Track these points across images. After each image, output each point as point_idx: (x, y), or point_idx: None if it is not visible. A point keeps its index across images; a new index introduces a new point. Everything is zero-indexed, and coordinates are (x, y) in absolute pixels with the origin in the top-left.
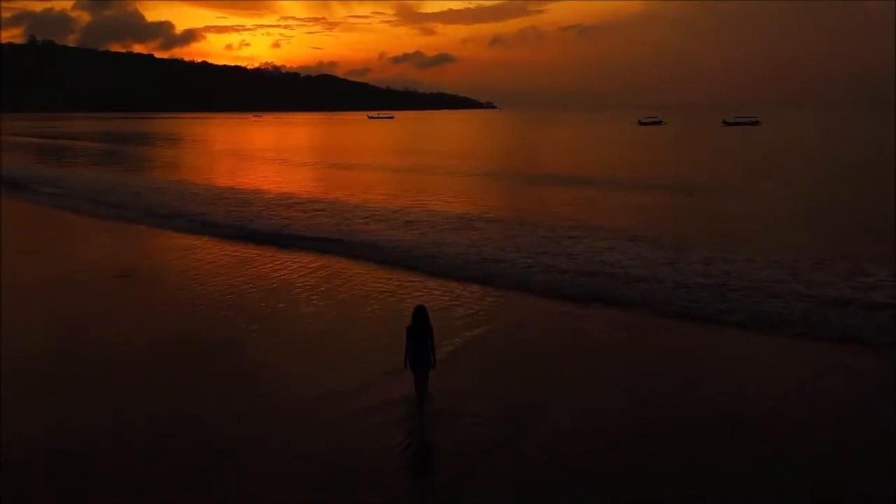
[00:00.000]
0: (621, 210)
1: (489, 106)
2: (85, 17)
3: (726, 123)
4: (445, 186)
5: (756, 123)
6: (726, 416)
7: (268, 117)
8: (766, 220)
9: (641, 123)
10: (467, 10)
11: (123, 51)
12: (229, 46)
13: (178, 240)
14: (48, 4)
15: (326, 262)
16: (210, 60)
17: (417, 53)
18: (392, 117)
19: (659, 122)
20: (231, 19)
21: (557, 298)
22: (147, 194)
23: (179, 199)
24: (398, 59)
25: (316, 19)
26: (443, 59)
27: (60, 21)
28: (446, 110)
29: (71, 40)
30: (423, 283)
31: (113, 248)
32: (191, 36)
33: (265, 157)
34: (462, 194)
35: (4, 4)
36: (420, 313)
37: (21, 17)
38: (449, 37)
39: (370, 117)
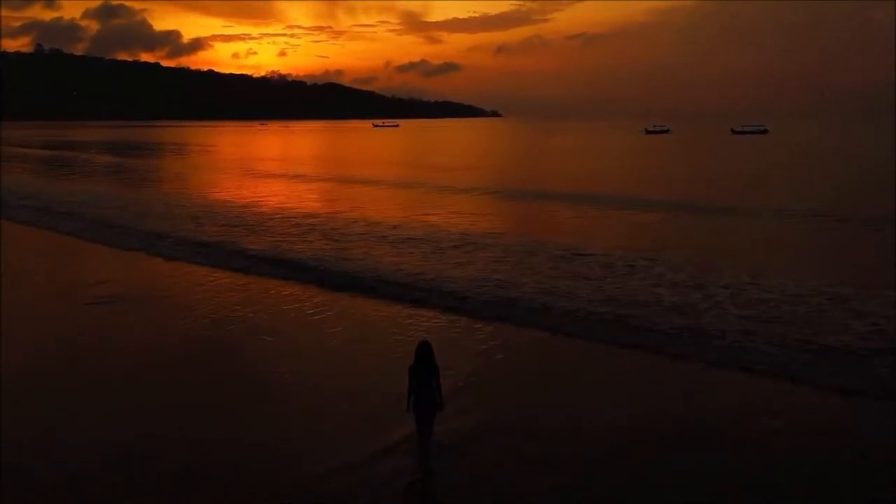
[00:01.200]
0: (635, 227)
1: (494, 114)
2: (94, 26)
3: (735, 132)
4: (449, 202)
5: (764, 132)
6: None
7: (273, 125)
8: (788, 239)
9: (648, 132)
10: (472, 18)
11: (130, 59)
12: (236, 55)
13: (158, 265)
14: (57, 14)
15: (314, 293)
16: (217, 69)
17: (423, 62)
18: (397, 125)
19: (666, 131)
20: (237, 28)
21: (584, 337)
22: (132, 207)
23: (165, 217)
24: (404, 68)
25: (321, 28)
26: (448, 67)
27: (69, 30)
28: (451, 119)
29: (79, 49)
30: (426, 315)
31: (83, 270)
32: (198, 44)
33: (263, 168)
34: (466, 211)
35: (13, 14)
36: (424, 349)
37: (30, 27)
38: (454, 45)
39: (375, 125)
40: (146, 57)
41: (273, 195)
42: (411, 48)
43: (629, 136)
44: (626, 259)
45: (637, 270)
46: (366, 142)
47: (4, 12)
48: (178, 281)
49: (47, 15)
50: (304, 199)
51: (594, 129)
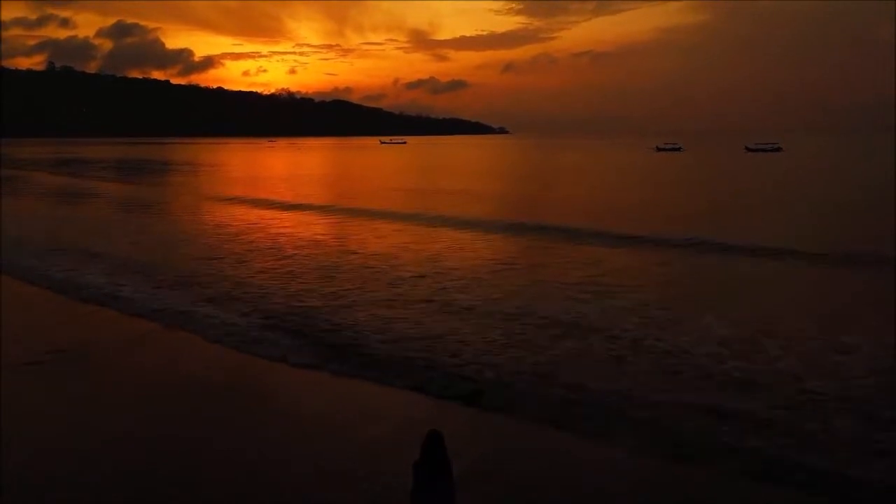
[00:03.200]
0: (660, 271)
1: (501, 131)
2: (107, 44)
3: (749, 150)
4: (449, 240)
5: (778, 150)
6: None
7: (282, 142)
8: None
9: (659, 150)
10: (479, 36)
11: (140, 76)
12: (246, 72)
13: (94, 312)
14: (72, 32)
15: (283, 372)
16: (227, 86)
17: (431, 79)
18: (405, 142)
19: (678, 149)
20: (247, 46)
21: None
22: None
23: (121, 266)
24: (412, 85)
25: (330, 46)
26: (456, 84)
27: (83, 48)
28: (459, 135)
29: (92, 67)
30: (423, 400)
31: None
32: (209, 62)
33: (257, 190)
34: (469, 250)
35: (29, 33)
36: (433, 443)
37: (45, 45)
38: (462, 63)
39: (382, 143)
40: (157, 75)
41: (283, 226)
42: (419, 66)
43: (640, 154)
44: (659, 320)
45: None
46: (372, 160)
47: (20, 31)
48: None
49: (62, 34)
50: (297, 233)
51: (602, 147)
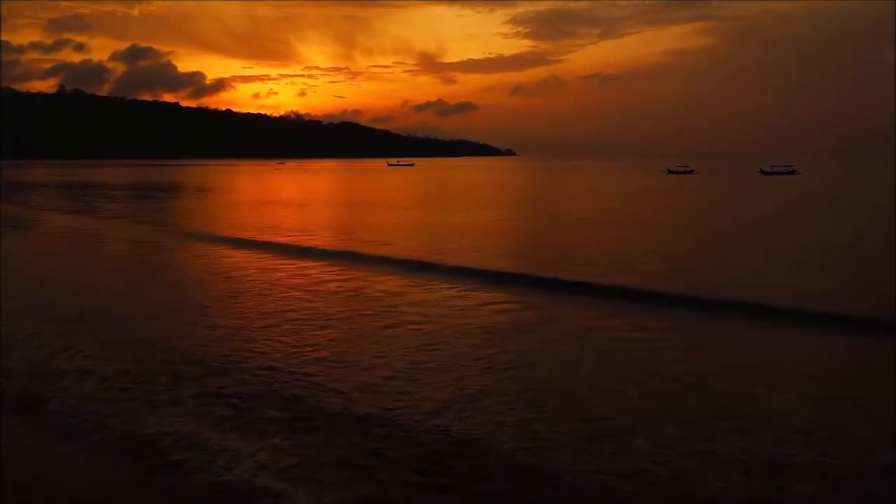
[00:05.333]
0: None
1: (509, 153)
2: (120, 67)
3: (765, 173)
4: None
5: (793, 173)
6: None
7: (291, 164)
8: None
9: (671, 172)
10: (487, 59)
11: (150, 99)
12: (256, 95)
13: None
14: (87, 56)
15: None
16: (237, 108)
17: (440, 101)
18: (412, 164)
19: (690, 172)
20: (256, 69)
21: None
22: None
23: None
24: (421, 107)
25: (339, 69)
26: (465, 106)
27: (96, 72)
28: (467, 157)
29: (105, 90)
30: None
31: None
32: (220, 85)
33: (268, 228)
34: (472, 320)
35: (45, 57)
36: None
37: (59, 69)
38: (470, 85)
39: (390, 165)
40: (168, 97)
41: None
42: (428, 88)
43: (651, 178)
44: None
45: None
46: (378, 185)
47: (37, 55)
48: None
49: (77, 57)
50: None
51: (612, 169)
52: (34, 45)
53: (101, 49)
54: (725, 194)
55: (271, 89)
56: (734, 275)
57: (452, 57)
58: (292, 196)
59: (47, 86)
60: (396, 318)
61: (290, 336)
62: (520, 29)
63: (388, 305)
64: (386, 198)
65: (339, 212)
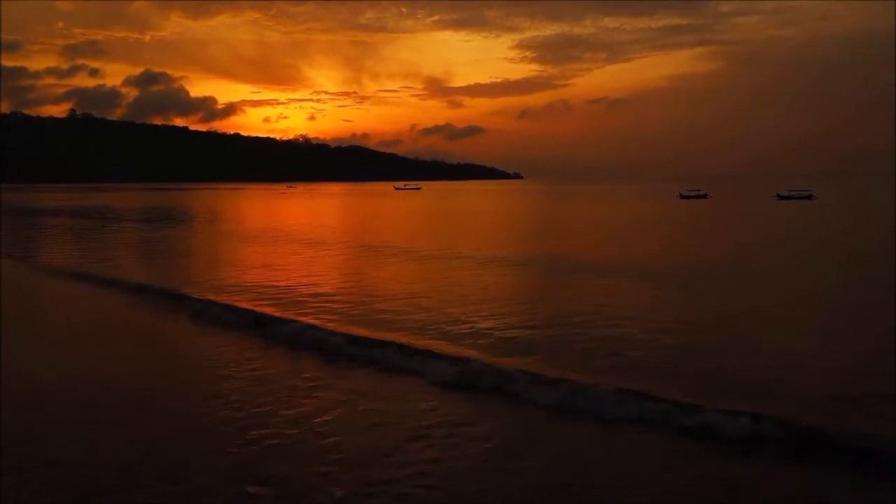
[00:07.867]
0: None
1: (516, 176)
2: (133, 92)
3: (781, 197)
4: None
5: (810, 198)
6: None
7: (300, 187)
8: None
9: (683, 197)
10: (494, 83)
11: (160, 123)
12: (266, 119)
13: None
14: (100, 81)
15: None
16: (247, 132)
17: (448, 125)
18: (419, 188)
19: (703, 196)
20: (265, 94)
21: None
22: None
23: None
24: (429, 131)
25: (347, 93)
26: (472, 130)
27: (109, 96)
28: (474, 181)
29: (116, 114)
30: None
31: None
32: (230, 109)
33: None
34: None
35: (59, 82)
36: None
37: (72, 94)
38: (478, 109)
39: (397, 188)
40: (179, 121)
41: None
42: (435, 112)
43: (665, 203)
44: None
45: None
46: (383, 211)
47: (52, 80)
48: None
49: (91, 83)
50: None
51: (622, 193)
52: (50, 71)
53: (115, 74)
54: (751, 221)
55: (281, 113)
56: None
57: (460, 81)
58: (294, 225)
59: (59, 110)
60: None
61: None
62: (526, 54)
63: None
64: (392, 227)
65: (343, 256)
